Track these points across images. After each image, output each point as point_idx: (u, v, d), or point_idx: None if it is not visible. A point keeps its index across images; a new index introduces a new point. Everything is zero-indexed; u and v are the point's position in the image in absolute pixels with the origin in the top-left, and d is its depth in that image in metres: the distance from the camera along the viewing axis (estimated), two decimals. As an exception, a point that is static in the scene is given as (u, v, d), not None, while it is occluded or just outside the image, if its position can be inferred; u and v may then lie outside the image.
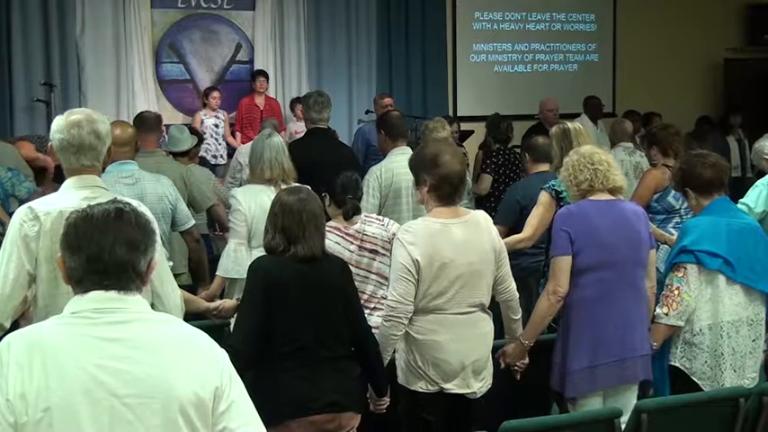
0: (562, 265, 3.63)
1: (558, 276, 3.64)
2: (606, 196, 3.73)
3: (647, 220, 3.86)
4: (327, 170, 4.41)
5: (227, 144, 9.18)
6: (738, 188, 6.28)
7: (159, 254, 2.96)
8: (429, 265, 3.41)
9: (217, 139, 9.07)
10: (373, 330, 3.51)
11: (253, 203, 4.38)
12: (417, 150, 3.88)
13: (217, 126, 9.10)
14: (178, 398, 1.90)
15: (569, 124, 4.87)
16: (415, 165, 3.65)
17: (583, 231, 3.62)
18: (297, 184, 3.95)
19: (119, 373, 1.87)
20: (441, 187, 3.49)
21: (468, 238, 3.48)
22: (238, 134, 9.25)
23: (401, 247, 3.44)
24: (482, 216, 3.63)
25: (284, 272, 3.23)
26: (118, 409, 1.86)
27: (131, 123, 5.16)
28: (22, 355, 1.85)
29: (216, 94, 9.18)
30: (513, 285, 3.68)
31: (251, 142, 5.34)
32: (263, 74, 9.38)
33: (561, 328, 3.76)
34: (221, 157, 9.04)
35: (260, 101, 9.34)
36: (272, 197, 3.65)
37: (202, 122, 8.92)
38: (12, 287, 2.92)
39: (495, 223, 3.70)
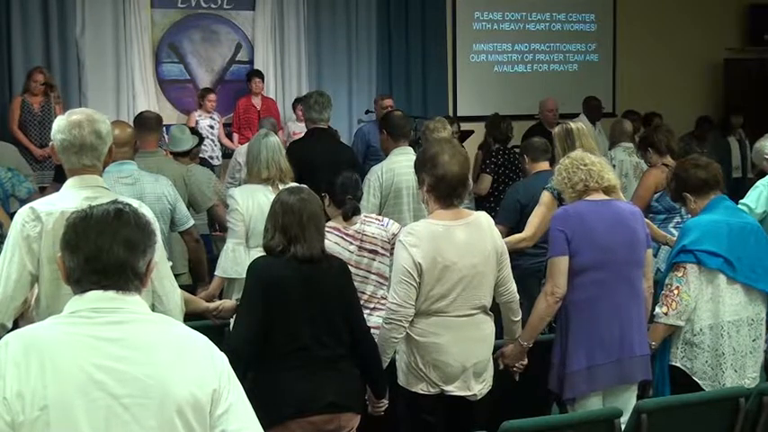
0: (559, 265, 3.62)
1: (556, 277, 3.63)
2: (602, 196, 3.73)
3: (643, 220, 3.86)
4: (327, 170, 4.40)
5: (222, 145, 9.17)
6: (739, 188, 6.29)
7: (159, 254, 2.98)
8: (432, 268, 3.39)
9: (213, 140, 9.05)
10: (373, 331, 3.51)
11: (250, 203, 4.38)
12: (420, 150, 3.87)
13: (212, 127, 9.07)
14: (175, 399, 1.89)
15: (572, 124, 4.87)
16: (416, 164, 3.65)
17: (579, 232, 3.61)
18: (296, 184, 3.93)
19: (116, 372, 1.87)
20: (437, 188, 3.46)
21: (471, 240, 3.46)
22: (236, 135, 9.23)
23: (403, 249, 3.41)
24: (484, 217, 3.60)
25: (283, 272, 3.22)
26: (114, 408, 1.85)
27: (131, 123, 5.16)
28: (20, 354, 1.85)
29: (212, 96, 9.13)
30: (514, 287, 3.65)
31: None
32: (259, 74, 9.35)
33: (559, 330, 3.75)
34: (216, 158, 9.00)
35: (257, 101, 9.31)
36: (270, 197, 3.65)
37: (197, 123, 8.89)
38: (14, 288, 2.93)
39: (495, 223, 3.68)
